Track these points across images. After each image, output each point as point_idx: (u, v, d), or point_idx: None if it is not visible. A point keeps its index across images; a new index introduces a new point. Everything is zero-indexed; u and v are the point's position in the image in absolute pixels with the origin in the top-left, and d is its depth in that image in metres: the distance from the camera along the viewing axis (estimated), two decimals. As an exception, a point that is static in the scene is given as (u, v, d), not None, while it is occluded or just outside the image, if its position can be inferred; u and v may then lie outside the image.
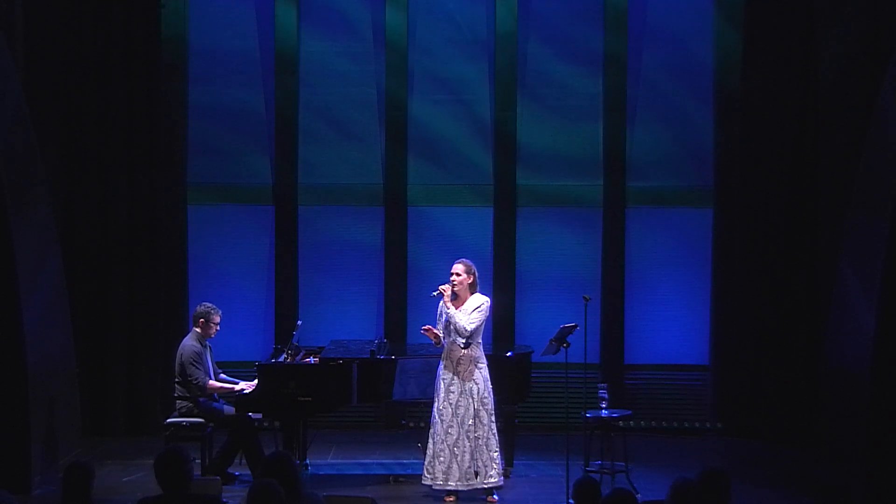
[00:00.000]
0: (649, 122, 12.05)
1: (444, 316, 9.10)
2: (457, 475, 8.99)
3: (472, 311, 9.04)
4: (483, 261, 11.33)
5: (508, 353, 9.94)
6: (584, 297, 9.27)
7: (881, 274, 9.29)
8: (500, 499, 9.17)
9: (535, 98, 12.07)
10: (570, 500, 8.92)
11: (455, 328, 9.00)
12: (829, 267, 10.82)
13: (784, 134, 11.51)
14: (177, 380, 9.68)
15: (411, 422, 11.44)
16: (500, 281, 11.86)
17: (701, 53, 12.00)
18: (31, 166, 9.89)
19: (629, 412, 9.91)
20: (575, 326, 9.24)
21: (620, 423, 9.70)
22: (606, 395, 9.54)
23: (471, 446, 8.99)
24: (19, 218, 9.40)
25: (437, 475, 9.01)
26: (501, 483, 9.17)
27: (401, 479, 9.79)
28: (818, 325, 11.11)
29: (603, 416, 9.47)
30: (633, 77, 11.96)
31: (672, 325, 12.00)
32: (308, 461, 9.82)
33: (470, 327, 8.98)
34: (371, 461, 10.67)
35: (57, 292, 10.22)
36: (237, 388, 9.70)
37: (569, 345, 9.16)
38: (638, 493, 8.73)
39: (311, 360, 9.71)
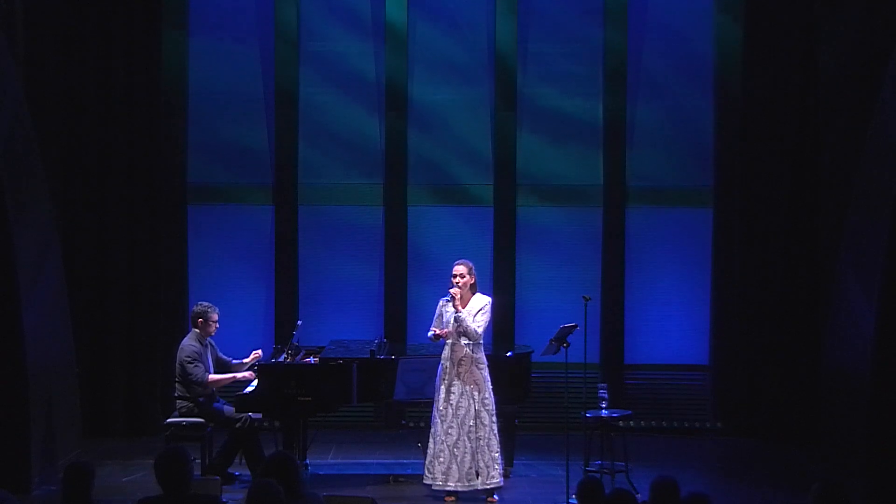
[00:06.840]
0: (650, 122, 12.04)
1: (446, 316, 9.08)
2: (456, 476, 8.98)
3: (476, 314, 9.03)
4: (483, 261, 11.34)
5: (508, 353, 9.94)
6: (584, 297, 9.26)
7: (881, 274, 9.28)
8: (500, 499, 9.17)
9: (536, 98, 12.07)
10: (572, 500, 8.99)
11: (465, 332, 8.99)
12: (829, 267, 10.81)
13: (784, 134, 11.51)
14: (177, 380, 9.68)
15: (411, 422, 11.42)
16: (500, 281, 11.85)
17: (702, 52, 12.00)
18: (31, 166, 9.88)
19: (629, 412, 9.89)
20: (575, 326, 9.23)
21: (620, 423, 9.70)
22: (606, 395, 9.53)
23: (472, 447, 8.97)
24: (19, 218, 9.39)
25: (437, 475, 9.01)
26: (502, 483, 9.17)
27: (401, 479, 9.79)
28: (818, 325, 11.10)
29: (603, 416, 9.46)
30: (633, 76, 11.96)
31: (672, 325, 11.99)
32: (308, 461, 9.80)
33: (480, 331, 8.99)
34: (371, 461, 10.66)
35: (57, 292, 10.20)
36: (240, 375, 9.71)
37: (569, 345, 9.16)
38: (638, 493, 8.72)
39: (311, 360, 9.71)
